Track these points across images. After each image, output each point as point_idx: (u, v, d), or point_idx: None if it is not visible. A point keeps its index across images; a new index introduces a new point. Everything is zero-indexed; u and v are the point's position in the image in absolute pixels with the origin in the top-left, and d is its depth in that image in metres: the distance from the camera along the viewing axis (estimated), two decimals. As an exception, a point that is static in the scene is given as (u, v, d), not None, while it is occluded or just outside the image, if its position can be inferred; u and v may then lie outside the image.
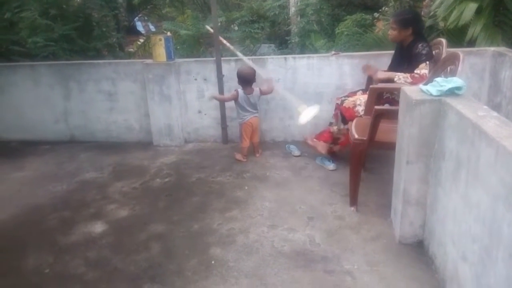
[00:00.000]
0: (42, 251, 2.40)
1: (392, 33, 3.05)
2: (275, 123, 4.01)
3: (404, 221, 2.27)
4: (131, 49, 8.30)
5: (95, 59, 5.23)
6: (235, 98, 3.52)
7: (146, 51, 8.21)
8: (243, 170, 3.41)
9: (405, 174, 2.19)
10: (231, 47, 3.86)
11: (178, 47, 6.57)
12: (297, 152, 3.69)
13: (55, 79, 4.26)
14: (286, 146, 3.84)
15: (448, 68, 2.59)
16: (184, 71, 4.00)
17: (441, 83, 2.03)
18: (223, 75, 3.87)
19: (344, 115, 3.14)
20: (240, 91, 3.50)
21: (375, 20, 7.63)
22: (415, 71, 2.91)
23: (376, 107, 2.42)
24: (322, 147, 3.42)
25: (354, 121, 2.87)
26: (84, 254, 2.35)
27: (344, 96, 3.36)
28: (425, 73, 2.86)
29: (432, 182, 2.10)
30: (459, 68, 2.38)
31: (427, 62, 2.89)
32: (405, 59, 3.05)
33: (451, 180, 1.85)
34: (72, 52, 6.07)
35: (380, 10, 7.58)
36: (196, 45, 6.29)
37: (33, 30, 5.98)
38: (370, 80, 3.50)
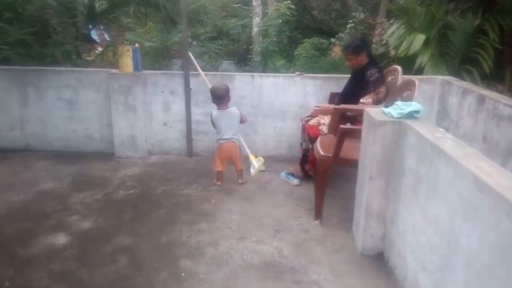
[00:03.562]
0: (0, 264, 2.27)
1: (350, 63, 3.28)
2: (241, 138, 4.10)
3: (366, 233, 2.42)
4: (88, 57, 8.07)
5: (51, 66, 5.06)
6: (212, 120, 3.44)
7: (104, 60, 8.02)
8: (209, 184, 3.45)
9: (367, 189, 2.35)
10: (197, 65, 3.91)
11: (142, 58, 6.52)
12: (262, 167, 3.78)
13: (13, 84, 4.07)
14: (251, 161, 3.93)
15: (405, 93, 2.84)
16: (151, 82, 3.99)
17: (401, 106, 2.24)
18: (191, 89, 3.91)
19: (309, 133, 3.30)
20: (214, 111, 3.43)
21: (331, 45, 8.05)
22: (361, 100, 3.14)
23: (342, 126, 2.60)
24: (299, 172, 3.53)
25: (319, 138, 3.03)
26: (47, 266, 2.26)
27: (307, 116, 3.54)
28: (370, 102, 3.10)
29: (392, 197, 2.28)
30: (415, 94, 2.63)
31: (374, 90, 3.12)
32: (358, 81, 3.26)
33: (410, 195, 2.03)
34: (28, 57, 5.82)
35: (337, 36, 8.01)
36: (159, 58, 6.28)
37: (-13, 33, 5.68)
38: (331, 100, 3.73)
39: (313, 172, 3.37)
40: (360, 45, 3.23)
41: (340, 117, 3.15)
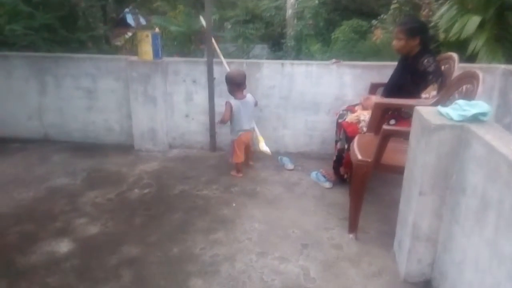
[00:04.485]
0: (-6, 274, 2.07)
1: (397, 43, 2.81)
2: (268, 132, 3.72)
3: (411, 257, 2.01)
4: (118, 43, 7.92)
5: (78, 52, 4.87)
6: (231, 110, 3.13)
7: (134, 46, 7.84)
8: (231, 184, 3.12)
9: (416, 206, 1.93)
10: (218, 49, 3.55)
11: (168, 44, 6.25)
12: (290, 166, 3.41)
13: (30, 72, 3.89)
14: (279, 158, 3.57)
15: (464, 88, 2.35)
16: (172, 71, 3.68)
17: (464, 107, 1.78)
18: (215, 78, 3.57)
19: (346, 131, 2.88)
20: (233, 100, 3.15)
21: (372, 28, 7.44)
22: (423, 95, 2.67)
23: (385, 126, 2.16)
24: (332, 175, 3.14)
25: (356, 138, 2.61)
26: (43, 279, 2.03)
27: (343, 110, 3.11)
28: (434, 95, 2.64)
29: (447, 218, 1.85)
30: (479, 89, 2.14)
31: (436, 81, 2.65)
32: (408, 72, 2.82)
33: (473, 219, 1.60)
34: (54, 42, 5.69)
35: (379, 17, 7.38)
36: (187, 43, 5.97)
37: (13, 17, 5.58)
38: (372, 92, 3.27)
39: (348, 176, 2.96)
40: (418, 28, 2.75)
41: (383, 113, 2.71)
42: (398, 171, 2.18)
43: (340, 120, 3.00)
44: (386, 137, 2.17)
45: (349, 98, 3.47)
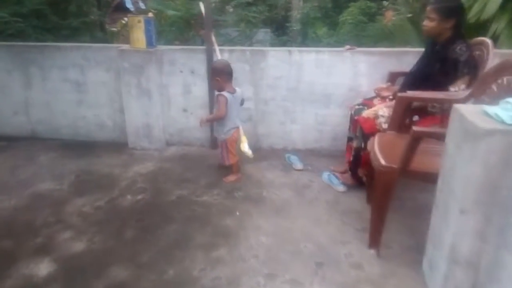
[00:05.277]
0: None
1: (428, 24, 2.44)
2: (274, 127, 3.40)
3: (447, 283, 1.70)
4: (114, 29, 7.53)
5: (70, 39, 4.54)
6: (226, 104, 2.74)
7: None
8: (234, 187, 2.81)
9: (455, 225, 1.61)
10: (213, 38, 3.18)
11: (166, 30, 5.86)
12: (299, 165, 3.09)
13: (14, 63, 3.56)
14: (286, 156, 3.25)
15: (505, 80, 2.00)
16: (167, 60, 3.34)
17: (520, 107, 1.44)
18: (214, 68, 3.22)
19: (362, 127, 2.54)
20: (226, 93, 2.75)
21: (383, 9, 6.99)
22: (451, 88, 2.33)
23: (416, 128, 1.82)
24: (348, 179, 2.82)
25: (376, 138, 2.27)
26: (17, 312, 1.75)
27: (359, 104, 2.76)
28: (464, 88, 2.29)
29: (494, 241, 1.53)
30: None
31: (469, 73, 2.30)
32: (437, 60, 2.46)
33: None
34: (44, 30, 5.34)
35: (389, -2, 6.93)
36: (186, 28, 5.59)
37: (1, 3, 5.22)
38: (392, 81, 2.92)
39: (367, 177, 2.63)
40: (454, 9, 2.39)
41: (407, 108, 2.37)
42: (430, 179, 1.85)
43: (355, 116, 2.66)
44: (417, 140, 1.84)
45: (364, 89, 3.12)
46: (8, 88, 3.63)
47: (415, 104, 2.49)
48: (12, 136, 3.72)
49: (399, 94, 2.35)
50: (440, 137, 1.80)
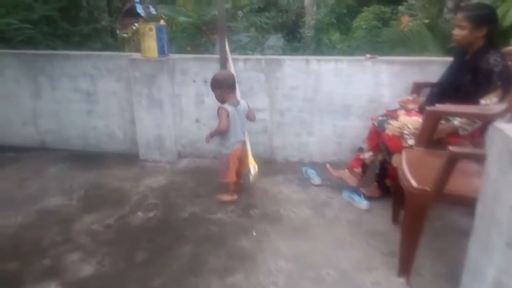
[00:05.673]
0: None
1: (459, 33, 2.28)
2: (290, 139, 3.26)
3: (490, 322, 1.54)
4: (125, 34, 7.47)
5: (80, 46, 4.46)
6: (227, 117, 2.57)
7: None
8: (250, 204, 2.68)
9: (500, 260, 1.45)
10: (227, 46, 3.06)
11: (177, 36, 5.77)
12: (317, 180, 2.94)
13: (22, 72, 3.47)
14: (303, 169, 3.10)
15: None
16: (179, 70, 3.23)
17: None
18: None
19: (387, 146, 2.39)
20: (227, 106, 2.58)
21: (399, 15, 6.80)
22: (482, 101, 2.17)
23: (452, 148, 1.66)
24: (351, 179, 2.70)
25: (404, 155, 2.12)
26: None
27: (382, 116, 2.61)
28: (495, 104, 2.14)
29: (547, 279, 1.37)
30: None
31: (503, 86, 2.14)
32: (468, 70, 2.30)
33: None
34: (54, 36, 5.28)
35: (405, 3, 6.74)
36: (197, 35, 5.49)
37: (12, 9, 5.16)
38: (417, 92, 2.77)
39: (393, 188, 2.48)
40: (487, 17, 2.24)
41: (436, 123, 2.22)
42: (467, 203, 1.69)
43: (379, 129, 2.50)
44: (453, 161, 1.68)
45: (386, 100, 2.97)
46: (16, 97, 3.55)
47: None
48: (20, 147, 3.63)
49: (428, 108, 2.20)
50: (479, 159, 1.65)
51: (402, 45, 5.74)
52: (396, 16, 7.23)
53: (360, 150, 2.75)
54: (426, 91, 2.71)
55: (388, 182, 2.57)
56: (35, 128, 3.61)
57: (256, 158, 3.20)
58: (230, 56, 3.03)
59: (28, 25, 4.86)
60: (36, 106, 3.54)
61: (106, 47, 5.62)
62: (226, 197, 2.71)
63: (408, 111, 2.53)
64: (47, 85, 3.47)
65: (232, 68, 2.98)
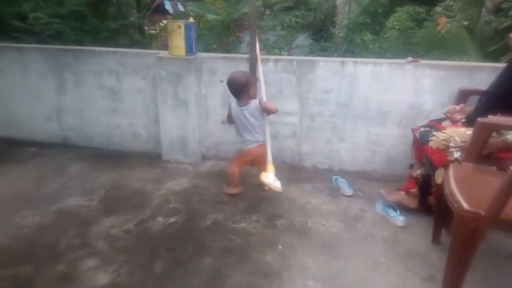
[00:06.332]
0: None
1: None
2: (320, 145, 3.08)
3: None
4: (153, 31, 7.43)
5: (108, 42, 4.40)
6: (229, 112, 2.63)
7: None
8: (276, 213, 2.52)
9: None
10: (258, 45, 2.88)
11: (204, 33, 5.66)
12: (348, 191, 2.75)
13: (48, 67, 3.43)
14: (333, 178, 2.92)
15: None
16: (207, 69, 3.09)
17: None
18: (257, 79, 2.93)
19: (431, 160, 2.18)
20: (233, 102, 2.61)
21: (435, 16, 6.47)
22: None
23: (514, 168, 1.45)
24: (411, 201, 2.47)
25: (451, 172, 1.90)
26: None
27: (424, 126, 2.39)
28: None
29: None
30: None
31: None
32: None
33: None
34: (82, 31, 5.25)
35: (443, 3, 6.40)
36: (226, 33, 5.35)
37: (42, 3, 5.17)
38: (461, 101, 2.53)
39: (435, 209, 2.26)
40: None
41: (488, 137, 1.99)
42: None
43: (422, 142, 2.29)
44: (514, 183, 1.47)
45: (427, 108, 2.75)
46: (41, 92, 3.50)
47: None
48: (44, 142, 3.59)
49: (480, 120, 1.97)
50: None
51: (439, 48, 5.43)
52: (431, 16, 6.90)
53: (411, 167, 2.52)
54: (472, 100, 2.48)
55: (430, 199, 2.34)
56: (58, 124, 3.56)
57: (283, 164, 3.06)
58: (260, 56, 2.87)
59: (57, 19, 4.84)
60: (60, 102, 3.49)
61: (133, 43, 5.56)
62: (231, 190, 2.65)
63: (454, 122, 2.31)
64: (72, 81, 3.41)
65: (260, 69, 2.82)
